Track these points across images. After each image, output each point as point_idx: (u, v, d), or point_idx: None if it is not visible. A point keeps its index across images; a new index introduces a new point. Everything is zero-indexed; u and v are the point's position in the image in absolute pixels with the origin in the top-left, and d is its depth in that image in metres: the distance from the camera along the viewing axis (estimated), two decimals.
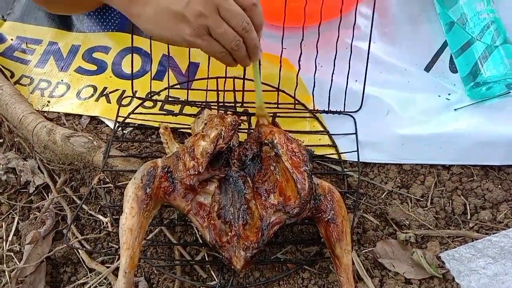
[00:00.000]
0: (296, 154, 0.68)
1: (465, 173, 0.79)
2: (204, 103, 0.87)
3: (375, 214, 0.76)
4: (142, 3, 0.56)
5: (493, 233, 0.71)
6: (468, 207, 0.75)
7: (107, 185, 0.77)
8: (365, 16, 0.95)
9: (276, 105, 0.86)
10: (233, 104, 0.87)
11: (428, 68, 0.90)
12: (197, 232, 0.73)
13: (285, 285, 0.69)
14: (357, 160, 0.80)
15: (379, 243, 0.72)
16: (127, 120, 0.86)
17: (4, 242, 0.81)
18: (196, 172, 0.66)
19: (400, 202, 0.76)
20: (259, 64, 0.82)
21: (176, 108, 0.89)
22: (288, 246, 0.73)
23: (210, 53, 0.61)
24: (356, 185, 0.78)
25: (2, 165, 0.88)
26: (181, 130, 0.85)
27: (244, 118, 0.87)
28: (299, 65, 0.82)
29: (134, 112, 0.86)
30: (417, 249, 0.69)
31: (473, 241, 0.70)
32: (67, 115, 0.91)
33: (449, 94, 0.87)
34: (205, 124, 0.73)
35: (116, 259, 0.74)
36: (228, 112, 0.87)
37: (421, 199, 0.76)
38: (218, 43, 0.59)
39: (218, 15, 0.56)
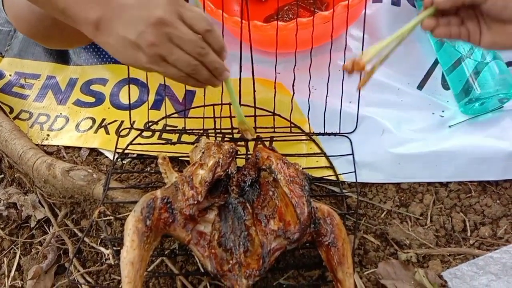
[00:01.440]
0: (294, 178, 0.69)
1: (463, 189, 0.79)
2: (201, 131, 0.88)
3: (375, 235, 0.76)
4: (106, 33, 0.58)
5: (494, 249, 0.71)
6: (467, 224, 0.75)
7: (108, 218, 0.77)
8: (355, 38, 0.97)
9: (272, 129, 0.88)
10: (230, 130, 0.88)
11: (420, 86, 0.91)
12: (198, 261, 0.73)
13: None
14: (355, 180, 0.80)
15: (380, 263, 0.72)
16: (126, 151, 0.87)
17: (6, 278, 0.81)
18: (196, 202, 0.66)
19: (400, 221, 0.76)
20: (254, 89, 0.84)
21: (174, 137, 0.90)
22: (290, 271, 0.73)
23: (170, 77, 0.63)
24: (355, 205, 0.78)
25: (3, 201, 0.88)
26: (180, 158, 0.86)
27: (242, 143, 0.88)
28: (293, 89, 0.84)
29: (133, 142, 0.87)
30: (419, 269, 0.69)
31: (474, 258, 0.70)
32: (66, 147, 0.93)
33: (443, 111, 0.88)
34: (203, 152, 0.74)
35: None
36: (225, 139, 0.88)
37: (421, 218, 0.76)
38: (175, 68, 0.60)
39: (171, 43, 0.58)
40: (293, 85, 0.83)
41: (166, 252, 0.75)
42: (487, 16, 0.57)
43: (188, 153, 0.83)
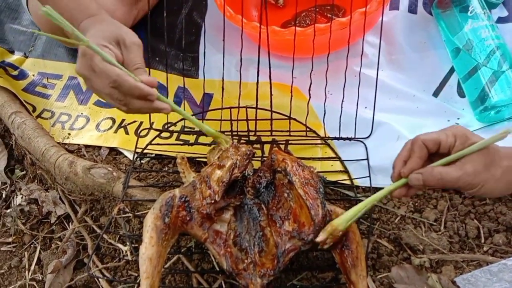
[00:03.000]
0: (309, 181, 0.70)
1: (478, 196, 0.79)
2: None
3: (389, 239, 0.77)
4: None
5: (508, 257, 0.71)
6: (481, 231, 0.75)
7: (127, 215, 0.79)
8: (372, 44, 0.98)
9: (288, 133, 0.89)
10: (246, 133, 0.89)
11: (436, 94, 0.92)
12: (214, 260, 0.75)
13: None
14: (369, 185, 0.81)
15: (394, 268, 0.72)
16: (145, 151, 0.89)
17: (27, 271, 0.84)
18: (213, 201, 0.68)
19: (414, 226, 0.77)
20: (270, 92, 0.85)
21: (191, 138, 0.92)
22: (303, 273, 0.74)
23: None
24: (369, 210, 0.79)
25: (25, 196, 0.91)
26: (197, 159, 0.88)
27: (258, 146, 0.90)
28: (309, 94, 0.85)
29: (152, 143, 0.89)
30: (432, 274, 0.70)
31: (488, 265, 0.71)
32: (87, 146, 0.95)
33: (458, 119, 0.88)
34: (221, 154, 0.76)
35: (136, 287, 0.76)
36: (241, 141, 0.89)
37: (435, 224, 0.77)
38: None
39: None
40: (309, 90, 0.84)
41: (182, 250, 0.76)
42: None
43: (205, 154, 0.85)
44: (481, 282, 0.68)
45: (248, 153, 0.73)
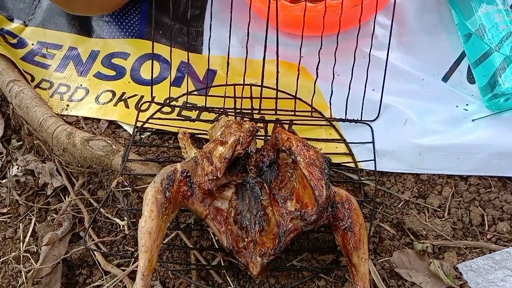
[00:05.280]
0: (314, 161, 0.68)
1: (483, 184, 0.78)
2: (221, 110, 0.87)
3: (391, 224, 0.76)
4: None
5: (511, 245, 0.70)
6: (486, 218, 0.74)
7: (125, 189, 0.77)
8: (383, 25, 0.95)
9: (293, 113, 0.87)
10: (250, 111, 0.87)
11: (445, 78, 0.90)
12: (213, 237, 0.73)
13: None
14: (374, 169, 0.80)
15: (395, 252, 0.71)
16: (145, 125, 0.87)
17: (21, 243, 0.82)
18: (215, 177, 0.66)
19: (417, 212, 0.76)
20: (277, 70, 0.83)
21: (193, 114, 0.90)
22: (304, 254, 0.73)
23: None
24: (372, 194, 0.78)
25: (21, 167, 0.89)
26: (198, 136, 0.86)
27: (261, 125, 0.88)
28: (317, 73, 0.83)
29: (153, 117, 0.87)
30: (434, 260, 0.69)
31: (491, 252, 0.70)
32: (85, 119, 0.93)
33: (466, 105, 0.86)
34: (223, 130, 0.74)
35: (132, 262, 0.75)
36: (245, 119, 0.87)
37: (438, 210, 0.76)
38: None
39: None
40: (317, 68, 0.82)
41: (181, 226, 0.75)
42: None
43: (207, 131, 0.83)
44: (483, 270, 0.67)
45: (252, 129, 0.71)
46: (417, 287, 0.67)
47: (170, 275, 0.72)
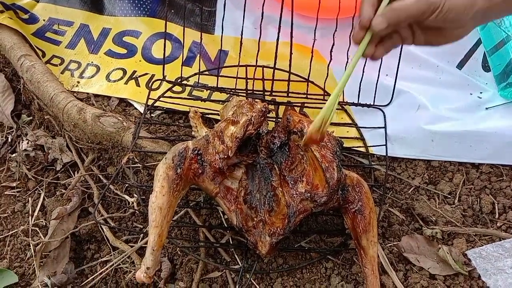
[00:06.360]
0: (326, 143, 0.68)
1: (494, 172, 0.78)
2: (232, 90, 0.87)
3: (401, 209, 0.75)
4: None
5: None
6: (496, 207, 0.74)
7: (135, 165, 0.77)
8: None
9: (305, 96, 0.86)
10: (261, 93, 0.87)
11: (460, 66, 0.89)
12: (222, 216, 0.73)
13: (308, 274, 0.69)
14: (385, 154, 0.79)
15: (404, 237, 0.71)
16: (156, 104, 0.87)
17: (30, 217, 0.83)
18: (226, 156, 0.66)
19: (427, 198, 0.75)
20: (290, 52, 0.82)
21: (204, 94, 0.90)
22: (312, 236, 0.72)
23: None
24: (383, 179, 0.77)
25: (31, 142, 0.89)
26: (209, 116, 0.85)
27: (272, 107, 0.87)
28: (331, 56, 0.82)
29: (164, 95, 0.87)
30: (443, 246, 0.69)
31: (500, 240, 0.69)
32: (96, 96, 0.92)
33: (481, 93, 0.85)
34: (235, 110, 0.73)
35: (141, 238, 0.75)
36: (256, 100, 0.87)
37: (449, 196, 0.75)
38: None
39: None
40: (331, 51, 0.81)
41: (191, 204, 0.75)
42: (425, 25, 0.51)
43: (218, 111, 0.82)
44: (492, 257, 0.67)
45: (264, 110, 0.71)
46: (425, 272, 0.67)
47: (178, 252, 0.72)
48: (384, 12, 0.50)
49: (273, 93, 0.87)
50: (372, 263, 0.65)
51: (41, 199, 0.84)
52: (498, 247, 0.68)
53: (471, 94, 0.85)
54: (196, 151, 0.66)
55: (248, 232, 0.65)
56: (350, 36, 0.80)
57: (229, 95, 0.87)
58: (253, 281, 0.67)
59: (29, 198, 0.85)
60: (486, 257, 0.67)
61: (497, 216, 0.73)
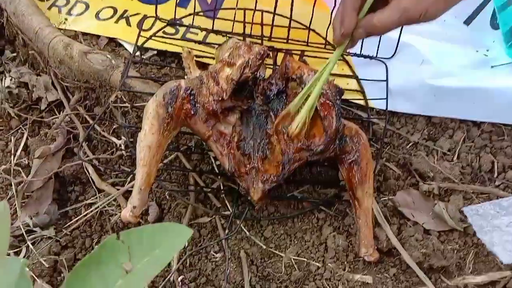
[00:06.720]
0: (325, 91, 0.65)
1: (496, 131, 0.75)
2: (229, 34, 0.82)
3: (397, 164, 0.73)
4: None
5: None
6: (496, 165, 0.72)
7: (124, 105, 0.74)
8: None
9: (305, 44, 0.82)
10: (259, 38, 0.82)
11: (468, 22, 0.85)
12: (213, 162, 0.70)
13: (299, 223, 0.67)
14: (385, 108, 0.76)
15: (399, 192, 0.69)
16: (147, 45, 0.82)
17: (12, 156, 0.79)
18: (220, 98, 0.62)
19: (426, 154, 0.73)
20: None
21: (199, 37, 0.85)
22: (305, 186, 0.70)
23: None
24: (380, 133, 0.75)
25: (14, 79, 0.84)
26: (202, 61, 0.81)
27: (270, 54, 0.83)
28: (335, 3, 0.77)
29: (156, 35, 0.82)
30: (439, 201, 0.67)
31: (498, 199, 0.68)
32: (84, 34, 0.87)
33: (487, 50, 0.82)
34: (231, 51, 0.69)
35: (128, 181, 0.72)
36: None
37: (448, 153, 0.73)
38: None
39: None
40: None
41: (181, 148, 0.72)
42: None
43: (213, 54, 0.78)
44: (489, 214, 0.66)
45: (262, 53, 0.67)
46: (419, 227, 0.66)
47: (167, 197, 0.70)
48: (365, 25, 0.52)
49: (272, 39, 0.82)
50: (367, 214, 0.63)
51: (24, 138, 0.81)
52: (495, 205, 0.67)
53: (477, 51, 0.82)
54: (189, 91, 0.63)
55: (240, 177, 0.63)
56: None
57: (225, 39, 0.83)
58: (243, 227, 0.65)
59: (12, 137, 0.82)
60: (483, 215, 0.66)
61: (496, 175, 0.71)
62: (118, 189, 0.71)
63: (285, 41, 0.82)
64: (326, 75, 0.58)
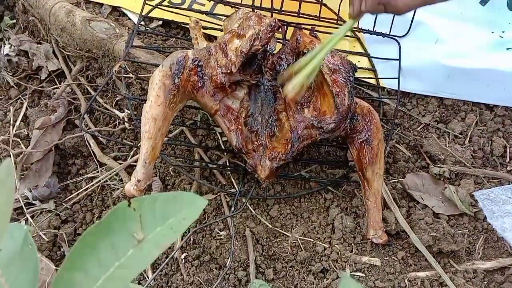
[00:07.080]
0: (338, 67, 0.62)
1: (509, 115, 0.73)
2: (238, 5, 0.79)
3: (408, 146, 0.71)
4: None
5: None
6: (508, 150, 0.70)
7: (127, 76, 0.71)
8: None
9: (317, 18, 0.79)
10: (270, 11, 0.80)
11: (484, 1, 0.82)
12: (220, 138, 0.68)
13: (306, 203, 0.65)
14: (397, 88, 0.74)
15: (409, 174, 0.68)
16: (152, 14, 0.79)
17: (11, 127, 0.77)
18: (229, 71, 0.60)
19: (437, 136, 0.71)
20: None
21: (206, 8, 0.82)
22: (313, 166, 0.68)
23: None
24: (391, 114, 0.73)
25: (14, 47, 0.82)
26: (209, 33, 0.78)
27: (280, 26, 0.80)
28: None
29: (161, 4, 0.79)
30: (450, 185, 0.65)
31: (509, 183, 0.66)
32: (87, 2, 0.84)
33: (503, 32, 0.79)
34: (241, 22, 0.66)
35: (131, 156, 0.70)
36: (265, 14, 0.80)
37: (460, 136, 0.71)
38: None
39: None
40: None
41: (187, 123, 0.69)
42: None
43: (221, 25, 0.75)
44: (500, 199, 0.64)
45: (273, 24, 0.64)
46: (428, 210, 0.64)
47: (171, 173, 0.68)
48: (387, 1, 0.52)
49: (282, 12, 0.80)
50: (376, 195, 0.62)
51: (23, 108, 0.78)
52: (507, 190, 0.65)
53: (492, 32, 0.79)
54: (197, 62, 0.60)
55: (247, 154, 0.61)
56: None
57: (234, 10, 0.80)
58: (249, 205, 0.64)
59: (11, 107, 0.79)
60: (494, 199, 0.64)
61: (508, 159, 0.70)
62: (120, 163, 0.69)
63: (296, 15, 0.79)
64: (334, 42, 0.55)
